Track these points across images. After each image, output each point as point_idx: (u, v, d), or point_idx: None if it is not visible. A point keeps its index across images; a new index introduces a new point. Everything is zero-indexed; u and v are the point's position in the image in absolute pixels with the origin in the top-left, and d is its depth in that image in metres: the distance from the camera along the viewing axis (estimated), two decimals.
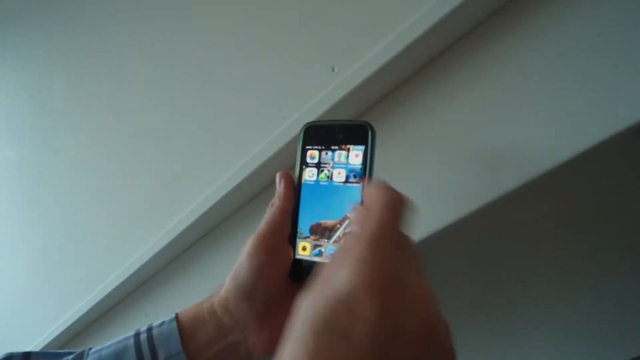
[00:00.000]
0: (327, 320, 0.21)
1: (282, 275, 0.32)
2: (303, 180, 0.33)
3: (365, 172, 0.31)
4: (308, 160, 0.33)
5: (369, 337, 0.20)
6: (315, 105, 0.42)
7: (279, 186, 0.33)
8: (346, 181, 0.31)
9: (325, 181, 0.32)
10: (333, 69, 0.42)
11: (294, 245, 0.33)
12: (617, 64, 0.34)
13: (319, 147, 0.33)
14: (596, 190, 0.95)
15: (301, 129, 0.34)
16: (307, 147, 0.33)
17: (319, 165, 0.33)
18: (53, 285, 0.75)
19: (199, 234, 0.56)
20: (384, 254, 0.23)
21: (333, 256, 0.25)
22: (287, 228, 0.33)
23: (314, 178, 0.33)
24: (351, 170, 0.31)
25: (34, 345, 0.71)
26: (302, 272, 0.32)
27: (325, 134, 0.33)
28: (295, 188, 0.33)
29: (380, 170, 0.33)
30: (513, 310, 1.00)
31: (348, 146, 0.32)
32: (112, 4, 0.65)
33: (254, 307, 0.32)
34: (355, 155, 0.31)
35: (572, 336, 0.95)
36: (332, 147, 0.32)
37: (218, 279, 0.56)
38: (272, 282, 0.31)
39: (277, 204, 0.33)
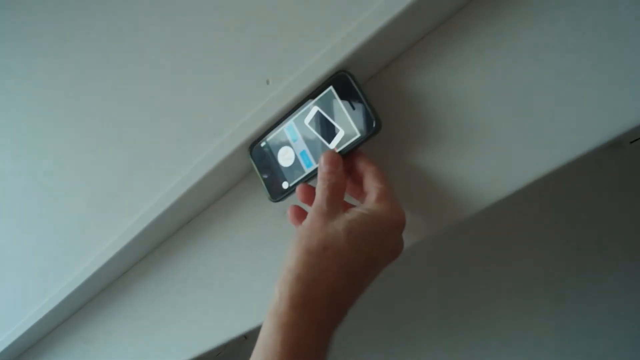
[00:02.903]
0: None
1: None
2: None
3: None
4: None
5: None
6: (252, 118, 0.39)
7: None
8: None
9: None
10: (268, 82, 0.39)
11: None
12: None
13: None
14: (569, 202, 0.98)
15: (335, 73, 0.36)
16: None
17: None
18: None
19: (136, 257, 0.53)
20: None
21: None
22: None
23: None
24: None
25: None
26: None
27: None
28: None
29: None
30: (476, 323, 1.02)
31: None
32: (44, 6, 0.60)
33: None
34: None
35: (537, 349, 0.98)
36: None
37: (159, 304, 0.53)
38: None
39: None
